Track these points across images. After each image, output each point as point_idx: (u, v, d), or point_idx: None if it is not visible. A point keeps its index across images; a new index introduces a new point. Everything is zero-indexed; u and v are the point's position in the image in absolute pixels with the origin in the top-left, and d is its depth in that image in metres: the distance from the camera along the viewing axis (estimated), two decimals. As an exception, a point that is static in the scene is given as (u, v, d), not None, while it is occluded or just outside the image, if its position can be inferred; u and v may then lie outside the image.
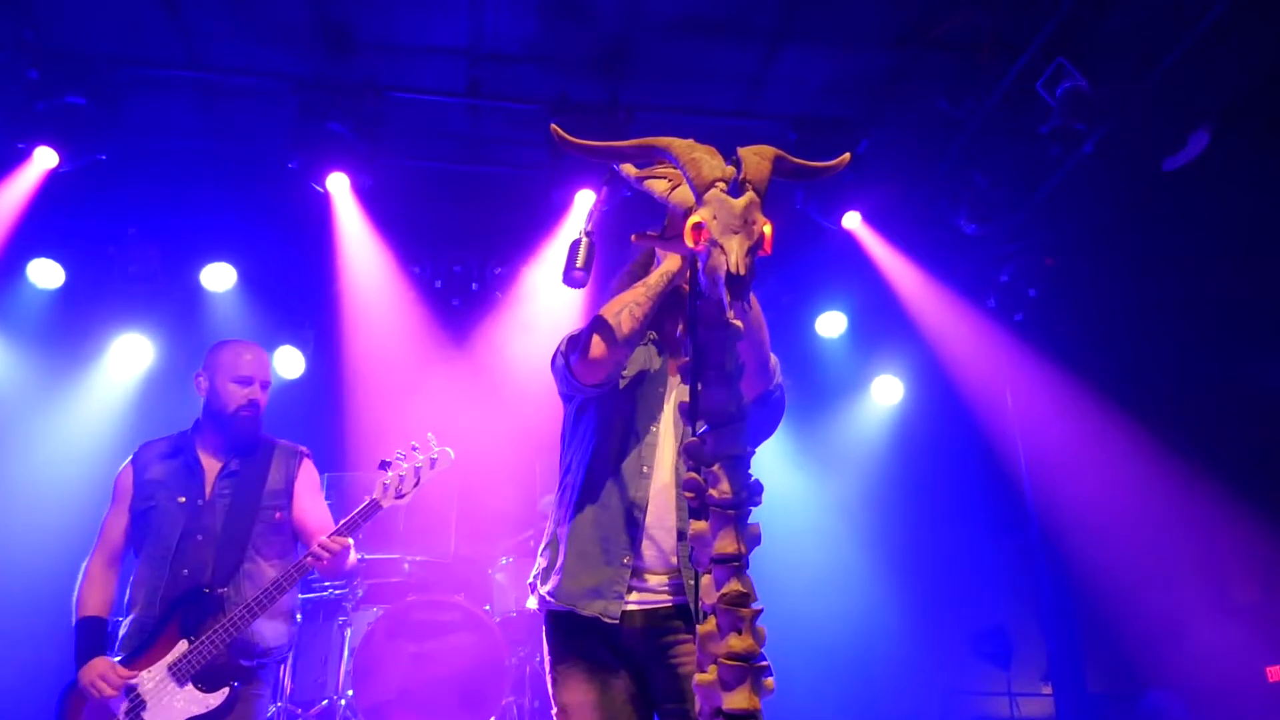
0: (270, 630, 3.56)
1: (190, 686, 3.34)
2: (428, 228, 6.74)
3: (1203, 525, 5.43)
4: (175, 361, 6.69)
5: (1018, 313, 6.70)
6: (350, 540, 3.55)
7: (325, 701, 5.08)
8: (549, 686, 2.60)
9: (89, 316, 6.50)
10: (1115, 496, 5.19)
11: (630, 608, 2.51)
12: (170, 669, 3.34)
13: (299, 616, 4.29)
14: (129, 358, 6.62)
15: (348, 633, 5.23)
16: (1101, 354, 6.26)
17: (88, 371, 6.58)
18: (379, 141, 5.65)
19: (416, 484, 3.75)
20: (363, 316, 6.66)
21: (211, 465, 3.73)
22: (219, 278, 6.60)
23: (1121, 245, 6.22)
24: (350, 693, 5.00)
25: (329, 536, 3.49)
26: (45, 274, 6.31)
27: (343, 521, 3.57)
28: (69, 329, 6.48)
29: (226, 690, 3.37)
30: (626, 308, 2.45)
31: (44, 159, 5.32)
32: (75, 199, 5.95)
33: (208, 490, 3.67)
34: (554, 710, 2.56)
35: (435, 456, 3.85)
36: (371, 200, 6.06)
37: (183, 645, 3.36)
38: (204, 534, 3.57)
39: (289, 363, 6.87)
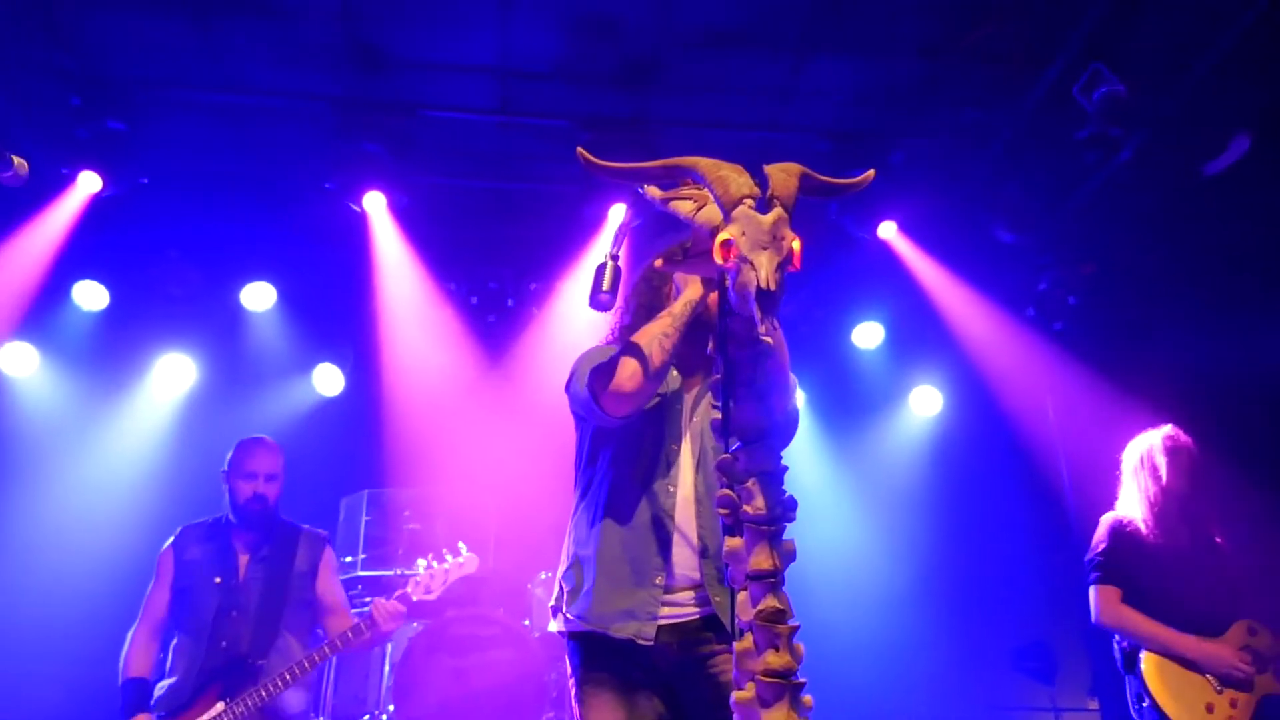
0: (295, 698, 4.06)
1: None
2: (463, 245, 6.78)
3: (1253, 535, 5.33)
4: (217, 380, 6.79)
5: (1058, 321, 6.62)
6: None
7: (366, 717, 5.11)
8: (575, 708, 2.59)
9: (132, 337, 6.60)
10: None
11: (661, 623, 2.51)
12: None
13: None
14: (172, 377, 6.71)
15: (388, 648, 5.26)
16: (1144, 362, 6.17)
17: (132, 391, 6.68)
18: (413, 160, 5.70)
19: (444, 584, 4.39)
20: (400, 333, 6.71)
21: (244, 550, 4.22)
22: (259, 297, 6.68)
23: (1162, 251, 6.14)
24: (391, 708, 5.03)
25: (387, 603, 4.11)
26: (90, 296, 6.41)
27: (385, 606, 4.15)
28: (113, 349, 6.59)
29: None
30: (655, 340, 2.44)
31: (87, 183, 5.43)
32: (118, 222, 6.04)
33: (241, 573, 4.16)
34: None
35: (463, 562, 4.49)
36: (407, 218, 6.11)
37: (219, 706, 3.86)
38: (239, 611, 4.06)
39: (328, 380, 6.94)
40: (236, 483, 4.25)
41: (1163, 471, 4.23)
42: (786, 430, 2.59)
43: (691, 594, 2.54)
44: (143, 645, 4.08)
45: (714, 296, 2.32)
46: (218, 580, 4.10)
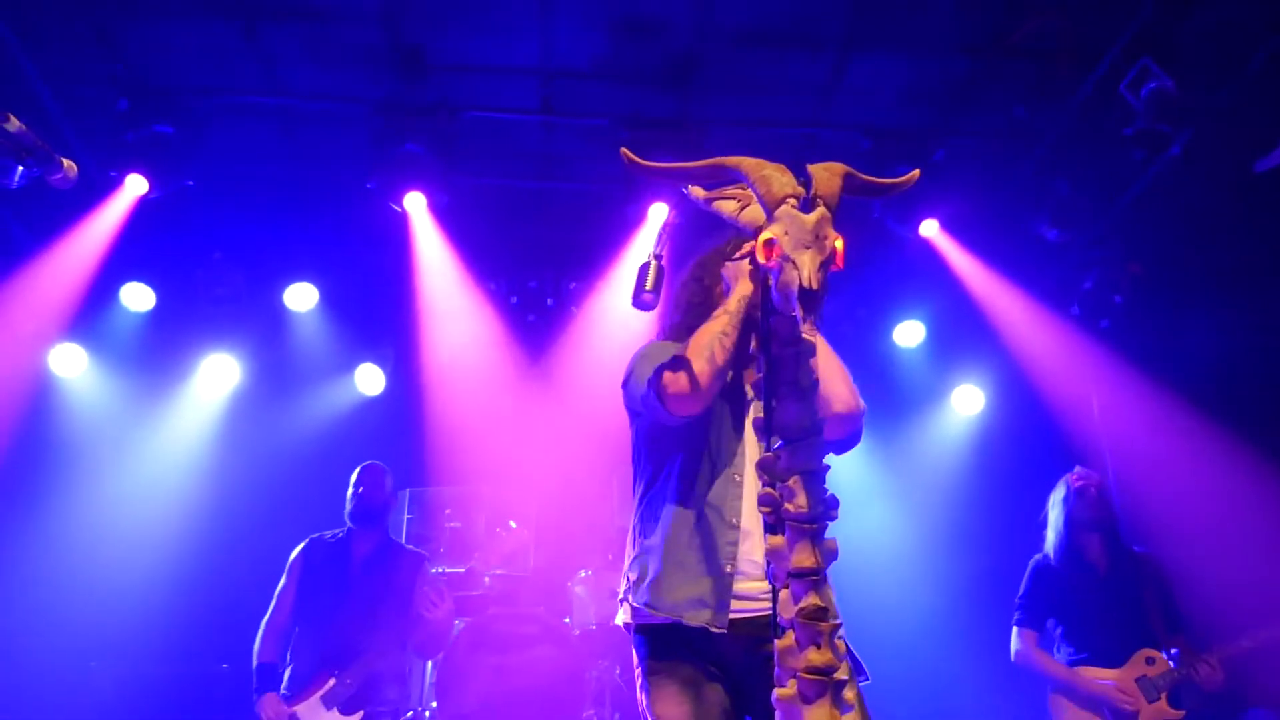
0: (392, 690, 4.73)
1: (335, 711, 4.54)
2: (503, 244, 6.81)
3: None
4: (261, 380, 6.87)
5: (1103, 320, 6.54)
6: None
7: (410, 713, 5.15)
8: (642, 699, 2.58)
9: (178, 338, 6.69)
10: (1207, 509, 5.09)
11: (732, 616, 2.49)
12: (322, 699, 4.55)
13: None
14: (216, 377, 6.80)
15: (437, 657, 5.29)
16: (1190, 361, 6.08)
17: (177, 391, 6.78)
18: (454, 160, 5.73)
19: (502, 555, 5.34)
20: (441, 333, 6.75)
21: (359, 557, 4.89)
22: (302, 297, 6.74)
23: (1210, 249, 6.04)
24: (434, 704, 5.06)
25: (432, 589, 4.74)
26: (137, 297, 6.51)
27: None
28: (159, 350, 6.68)
29: (360, 714, 4.58)
30: (716, 340, 2.44)
31: (135, 186, 5.51)
32: (164, 224, 6.13)
33: (353, 574, 4.83)
34: None
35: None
36: (448, 218, 6.15)
37: (331, 681, 4.57)
38: (351, 608, 4.72)
39: (370, 380, 7.00)
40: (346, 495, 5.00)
41: (1069, 508, 4.55)
42: (854, 431, 2.62)
43: (760, 587, 2.51)
44: (273, 633, 4.75)
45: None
46: (335, 581, 4.81)
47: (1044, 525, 4.71)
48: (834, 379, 2.53)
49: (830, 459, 1.98)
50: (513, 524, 5.12)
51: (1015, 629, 4.58)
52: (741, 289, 2.50)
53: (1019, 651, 4.55)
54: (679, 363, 2.45)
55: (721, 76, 5.49)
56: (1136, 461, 6.35)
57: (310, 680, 4.58)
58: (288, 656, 4.74)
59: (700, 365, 2.42)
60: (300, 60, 5.40)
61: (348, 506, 4.93)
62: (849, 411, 2.54)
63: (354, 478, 4.99)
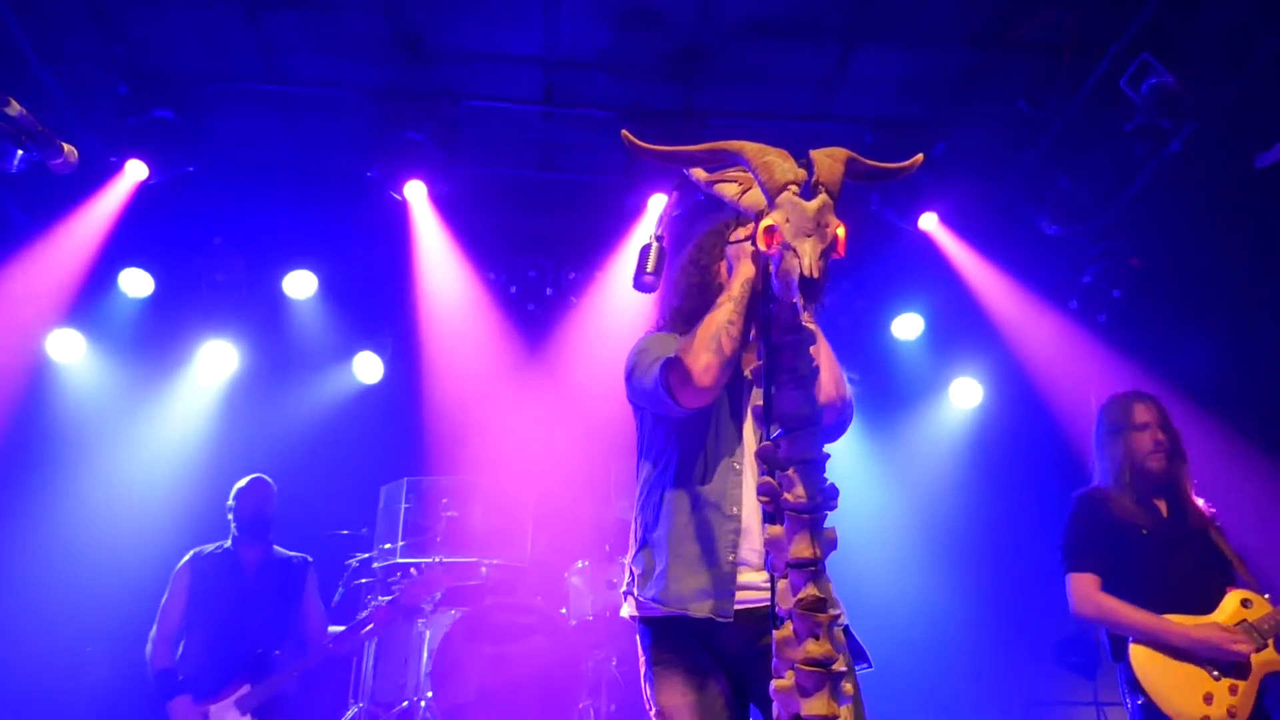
0: (298, 703, 4.97)
1: (249, 716, 4.72)
2: (503, 234, 6.80)
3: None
4: (259, 366, 6.87)
5: (1101, 314, 6.54)
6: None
7: (405, 703, 5.15)
8: (646, 690, 2.58)
9: (177, 324, 6.68)
10: (1205, 501, 5.06)
11: (736, 607, 2.49)
12: (235, 703, 4.73)
13: None
14: (215, 363, 6.79)
15: (427, 635, 5.30)
16: (1189, 356, 6.08)
17: (176, 377, 6.77)
18: (455, 149, 5.72)
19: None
20: (440, 322, 6.74)
21: (250, 566, 5.09)
22: (301, 285, 6.73)
23: (1210, 245, 6.04)
24: (430, 694, 5.06)
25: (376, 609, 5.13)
26: (136, 283, 6.50)
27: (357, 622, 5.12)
28: (158, 336, 6.68)
29: None
30: (723, 330, 2.40)
31: (135, 172, 5.49)
32: (164, 210, 6.12)
33: (249, 584, 5.03)
34: (652, 713, 2.54)
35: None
36: (448, 207, 6.14)
37: (246, 688, 4.75)
38: (253, 615, 4.93)
39: (368, 368, 6.99)
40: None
41: (1132, 438, 3.87)
42: (840, 421, 2.58)
43: (764, 577, 2.44)
44: (164, 644, 4.92)
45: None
46: (230, 590, 5.00)
47: (1099, 452, 4.00)
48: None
49: (830, 448, 1.98)
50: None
51: (1069, 576, 3.78)
52: (744, 271, 2.46)
53: (1083, 599, 3.72)
54: (687, 355, 2.42)
55: (724, 68, 5.47)
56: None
57: (223, 685, 4.75)
58: (181, 662, 4.89)
59: (709, 357, 2.38)
60: (301, 47, 5.39)
61: (234, 517, 5.10)
62: (828, 402, 2.50)
63: (239, 488, 5.13)
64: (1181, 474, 3.88)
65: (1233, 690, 3.52)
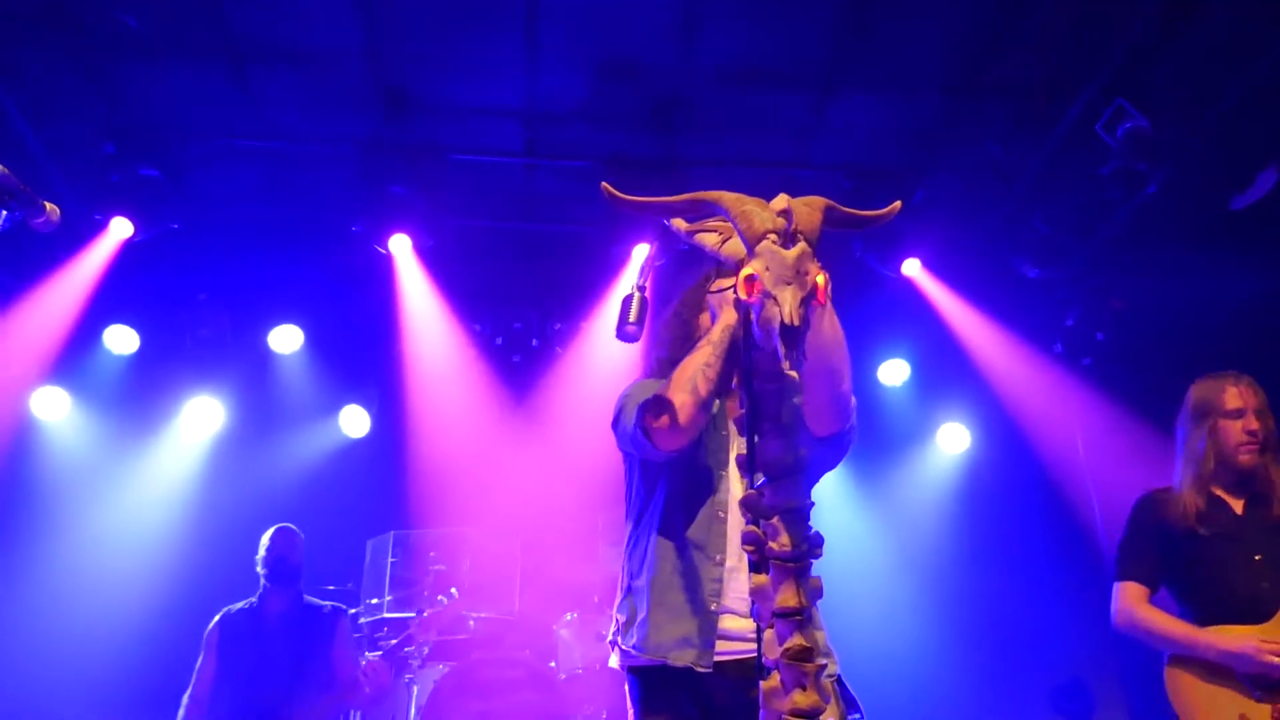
0: None
1: None
2: (488, 286, 6.82)
3: None
4: (245, 422, 6.84)
5: (1086, 357, 6.58)
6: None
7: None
8: None
9: (162, 380, 6.66)
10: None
11: (720, 659, 2.45)
12: None
13: None
14: (201, 419, 6.76)
15: (414, 690, 5.23)
16: (1174, 397, 6.09)
17: (161, 433, 6.74)
18: (439, 202, 5.75)
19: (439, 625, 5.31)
20: (426, 374, 6.74)
21: (274, 616, 4.98)
22: (286, 339, 6.73)
23: (1190, 285, 6.09)
24: (417, 752, 5.00)
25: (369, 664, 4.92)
26: (121, 340, 6.49)
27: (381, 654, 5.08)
28: (143, 393, 6.65)
29: None
30: (700, 372, 2.39)
31: (119, 229, 5.51)
32: (149, 267, 6.12)
33: (271, 635, 4.91)
34: None
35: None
36: (433, 260, 6.16)
37: None
38: (273, 668, 4.80)
39: (355, 422, 6.98)
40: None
41: (1220, 426, 3.46)
42: (836, 453, 2.58)
43: (748, 626, 2.43)
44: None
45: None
46: (254, 647, 4.88)
47: (1180, 439, 3.62)
48: (825, 378, 2.43)
49: (816, 494, 1.97)
50: (454, 591, 5.41)
51: (1116, 584, 3.48)
52: (725, 318, 2.46)
53: (1120, 610, 3.42)
54: (663, 398, 2.42)
55: (704, 117, 5.53)
56: (1122, 498, 6.33)
57: None
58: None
59: (683, 398, 2.38)
60: (287, 103, 5.42)
61: (262, 567, 5.01)
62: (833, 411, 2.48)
63: (268, 538, 5.04)
64: (1273, 469, 3.44)
65: (1276, 715, 3.11)
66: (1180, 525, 3.41)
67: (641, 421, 2.46)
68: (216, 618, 5.00)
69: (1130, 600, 3.42)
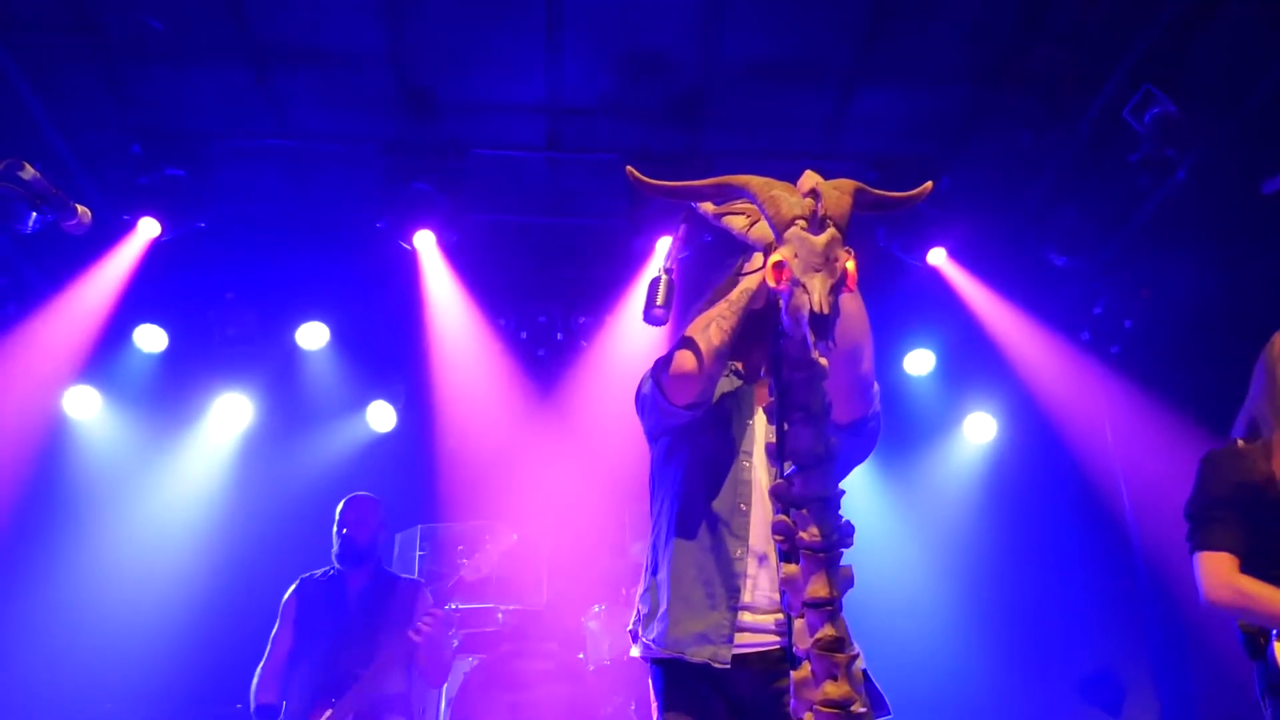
0: (394, 717, 4.60)
1: None
2: (512, 280, 6.83)
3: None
4: (273, 418, 6.89)
5: (1114, 345, 6.52)
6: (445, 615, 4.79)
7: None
8: None
9: (191, 378, 6.72)
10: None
11: (740, 651, 2.43)
12: None
13: None
14: (230, 416, 6.81)
15: (444, 684, 5.25)
16: (1204, 384, 6.03)
17: (191, 431, 6.79)
18: (463, 198, 5.77)
19: (492, 564, 4.97)
20: (451, 369, 6.75)
21: (354, 592, 4.79)
22: (313, 336, 6.76)
23: (1220, 272, 6.02)
24: (448, 744, 5.02)
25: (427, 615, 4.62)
26: (150, 339, 6.54)
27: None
28: (173, 391, 6.71)
29: None
30: (713, 321, 2.38)
31: (147, 229, 5.55)
32: (176, 266, 6.16)
33: (350, 607, 4.73)
34: None
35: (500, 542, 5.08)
36: (457, 256, 6.17)
37: (328, 712, 4.45)
38: (350, 642, 4.62)
39: (381, 417, 7.01)
40: (332, 533, 4.86)
41: None
42: (864, 441, 2.59)
43: (772, 620, 2.44)
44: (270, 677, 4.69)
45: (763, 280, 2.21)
46: (330, 615, 4.72)
47: (1253, 389, 3.29)
48: (845, 360, 2.40)
49: (845, 484, 1.96)
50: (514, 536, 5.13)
51: (1198, 555, 2.98)
52: (746, 281, 2.44)
53: (1217, 583, 2.91)
54: (676, 347, 2.40)
55: (728, 110, 5.51)
56: (1153, 487, 6.29)
57: (307, 712, 4.48)
58: (288, 692, 4.66)
59: (695, 347, 2.36)
60: (310, 103, 5.45)
61: (334, 547, 4.82)
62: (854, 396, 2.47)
63: (338, 513, 4.84)
64: None
65: None
66: (1263, 483, 2.98)
67: (655, 374, 2.45)
68: (293, 586, 4.83)
69: (1225, 573, 2.93)
